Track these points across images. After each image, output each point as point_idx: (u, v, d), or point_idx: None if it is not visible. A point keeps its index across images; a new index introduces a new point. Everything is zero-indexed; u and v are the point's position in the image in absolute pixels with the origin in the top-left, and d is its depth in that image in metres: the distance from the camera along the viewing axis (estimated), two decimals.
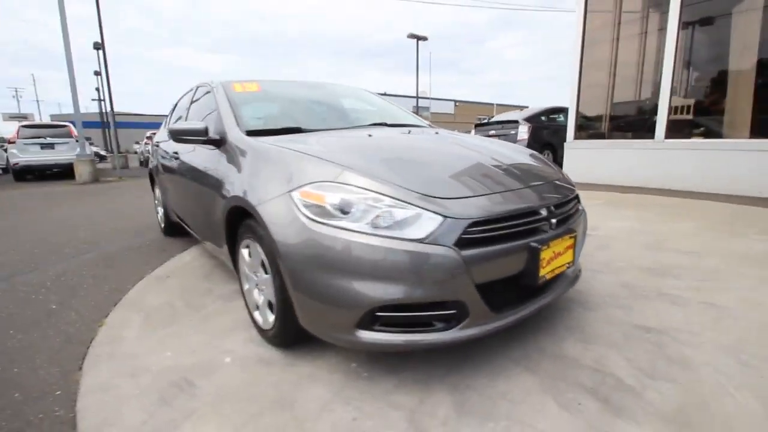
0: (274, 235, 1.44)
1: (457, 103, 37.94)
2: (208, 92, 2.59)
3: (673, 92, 5.23)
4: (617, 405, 1.31)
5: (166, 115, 3.82)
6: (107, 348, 1.81)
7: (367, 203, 1.33)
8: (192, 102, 2.88)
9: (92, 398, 1.46)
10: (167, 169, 3.06)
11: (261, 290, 1.76)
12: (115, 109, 17.84)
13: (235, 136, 2.00)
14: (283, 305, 1.54)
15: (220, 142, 2.09)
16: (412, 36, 23.38)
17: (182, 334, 1.91)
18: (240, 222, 1.85)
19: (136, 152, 20.07)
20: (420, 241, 1.27)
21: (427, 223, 1.29)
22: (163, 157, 3.22)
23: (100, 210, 5.71)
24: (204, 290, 2.44)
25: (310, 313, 1.44)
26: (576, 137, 6.34)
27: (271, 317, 1.67)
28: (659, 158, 5.31)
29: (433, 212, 1.30)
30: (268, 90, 2.54)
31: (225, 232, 1.94)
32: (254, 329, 1.90)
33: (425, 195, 1.35)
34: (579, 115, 6.33)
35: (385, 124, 2.40)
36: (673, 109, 5.29)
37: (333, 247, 1.31)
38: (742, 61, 4.83)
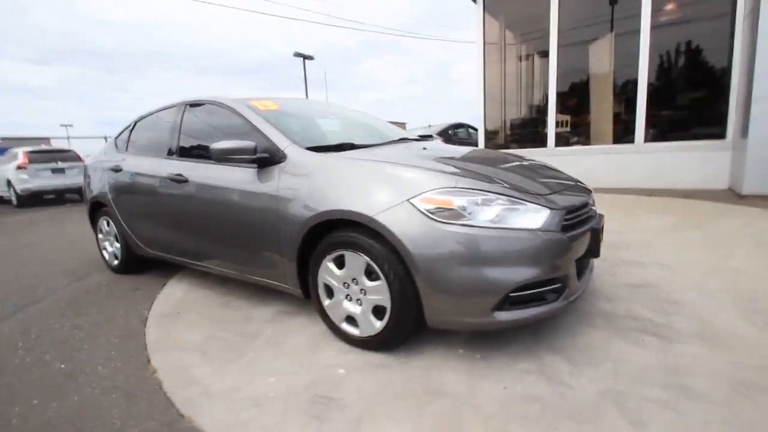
0: (404, 240, 1.57)
1: None
2: (217, 110, 2.46)
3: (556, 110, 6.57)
4: (665, 335, 1.80)
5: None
6: (192, 390, 1.63)
7: (489, 203, 1.58)
8: (182, 121, 2.65)
9: None
10: (149, 195, 2.72)
11: (357, 300, 1.82)
12: None
13: (297, 153, 2.00)
14: (401, 307, 1.66)
15: (269, 161, 2.06)
16: (298, 55, 23.39)
17: (262, 360, 1.83)
18: (317, 238, 1.88)
19: None
20: (538, 230, 1.57)
21: (540, 215, 1.60)
22: (134, 183, 2.85)
23: None
24: (239, 318, 2.29)
25: (444, 307, 1.60)
26: (486, 147, 7.39)
27: (378, 323, 1.75)
28: (553, 162, 6.57)
29: (541, 206, 1.62)
30: (286, 108, 2.53)
31: (298, 250, 1.92)
32: (339, 341, 1.93)
33: (529, 192, 1.66)
34: (487, 130, 7.40)
35: (407, 139, 2.63)
36: (557, 123, 6.64)
37: (469, 243, 1.52)
38: (601, 84, 6.36)
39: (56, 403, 1.60)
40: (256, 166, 2.11)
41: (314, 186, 1.87)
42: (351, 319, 1.87)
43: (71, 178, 9.60)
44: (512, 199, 1.61)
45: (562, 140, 6.72)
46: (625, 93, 6.08)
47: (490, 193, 1.60)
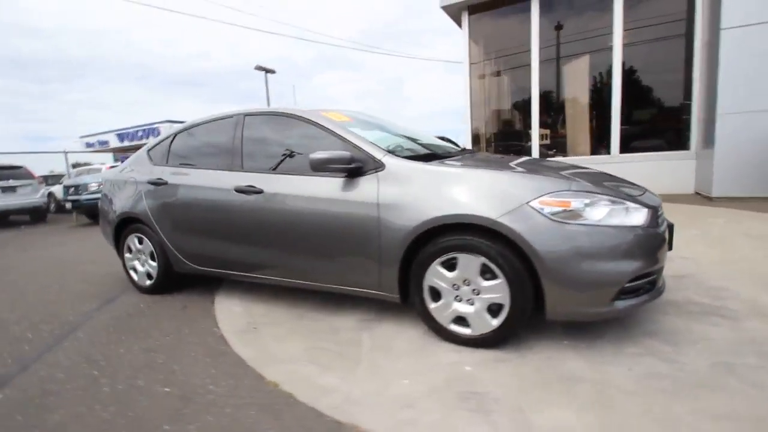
0: (531, 240, 1.70)
1: None
2: (288, 121, 2.47)
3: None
4: (728, 316, 2.07)
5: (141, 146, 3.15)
6: (332, 398, 1.63)
7: (596, 204, 1.76)
8: (243, 132, 2.61)
9: None
10: (205, 208, 2.63)
11: (468, 301, 1.91)
12: None
13: (397, 162, 2.07)
14: (520, 304, 1.78)
15: (360, 170, 2.11)
16: (259, 68, 23.04)
17: (382, 365, 1.86)
18: (419, 243, 1.96)
19: None
20: (642, 226, 1.77)
21: (641, 213, 1.80)
22: (184, 196, 2.74)
23: None
24: (324, 329, 2.28)
25: (568, 300, 1.74)
26: None
27: (494, 321, 1.85)
28: None
29: (640, 205, 1.82)
30: (356, 120, 2.59)
31: (402, 256, 1.98)
32: (443, 342, 2.00)
33: (626, 194, 1.87)
34: (473, 143, 7.80)
35: (467, 150, 2.79)
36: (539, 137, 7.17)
37: (591, 240, 1.68)
38: (578, 101, 6.99)
39: (193, 426, 1.53)
40: (345, 175, 2.15)
41: (423, 193, 1.95)
42: (460, 320, 1.96)
43: (23, 198, 8.72)
44: (615, 199, 1.80)
45: (545, 152, 7.25)
46: (599, 109, 6.72)
47: (597, 195, 1.79)
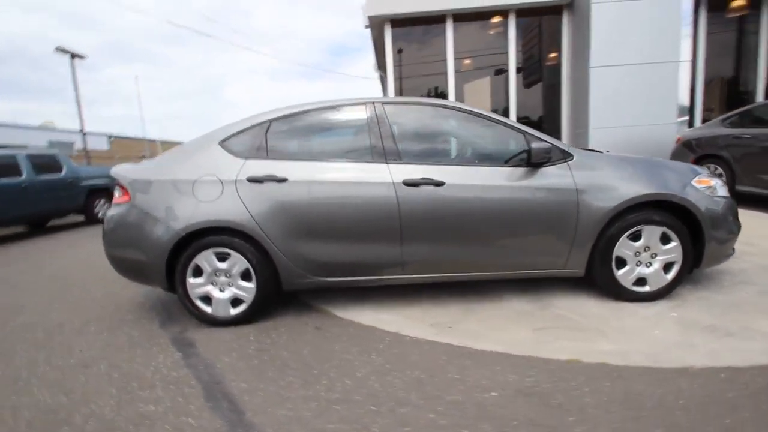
0: (703, 210, 2.29)
1: (113, 139, 31.76)
2: (444, 112, 2.45)
3: None
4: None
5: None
6: (635, 358, 1.83)
7: (718, 182, 2.49)
8: (390, 123, 2.38)
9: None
10: (353, 207, 2.27)
11: (646, 264, 2.38)
12: None
13: (580, 153, 2.38)
14: (687, 260, 2.36)
15: (547, 161, 2.32)
16: (62, 50, 17.72)
17: (617, 328, 2.13)
18: (614, 220, 2.33)
19: None
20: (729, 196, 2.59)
21: (725, 187, 2.62)
22: (321, 195, 2.28)
23: None
24: (514, 314, 2.36)
25: (718, 251, 2.39)
26: None
27: (669, 276, 2.38)
28: None
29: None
30: None
31: (598, 234, 2.30)
32: (622, 302, 2.41)
33: None
34: None
35: None
36: None
37: (727, 207, 2.40)
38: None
39: (571, 418, 1.49)
40: (525, 164, 2.32)
41: (613, 177, 2.32)
42: (639, 281, 2.40)
43: None
44: (717, 179, 2.58)
45: None
46: None
47: (716, 179, 2.52)
